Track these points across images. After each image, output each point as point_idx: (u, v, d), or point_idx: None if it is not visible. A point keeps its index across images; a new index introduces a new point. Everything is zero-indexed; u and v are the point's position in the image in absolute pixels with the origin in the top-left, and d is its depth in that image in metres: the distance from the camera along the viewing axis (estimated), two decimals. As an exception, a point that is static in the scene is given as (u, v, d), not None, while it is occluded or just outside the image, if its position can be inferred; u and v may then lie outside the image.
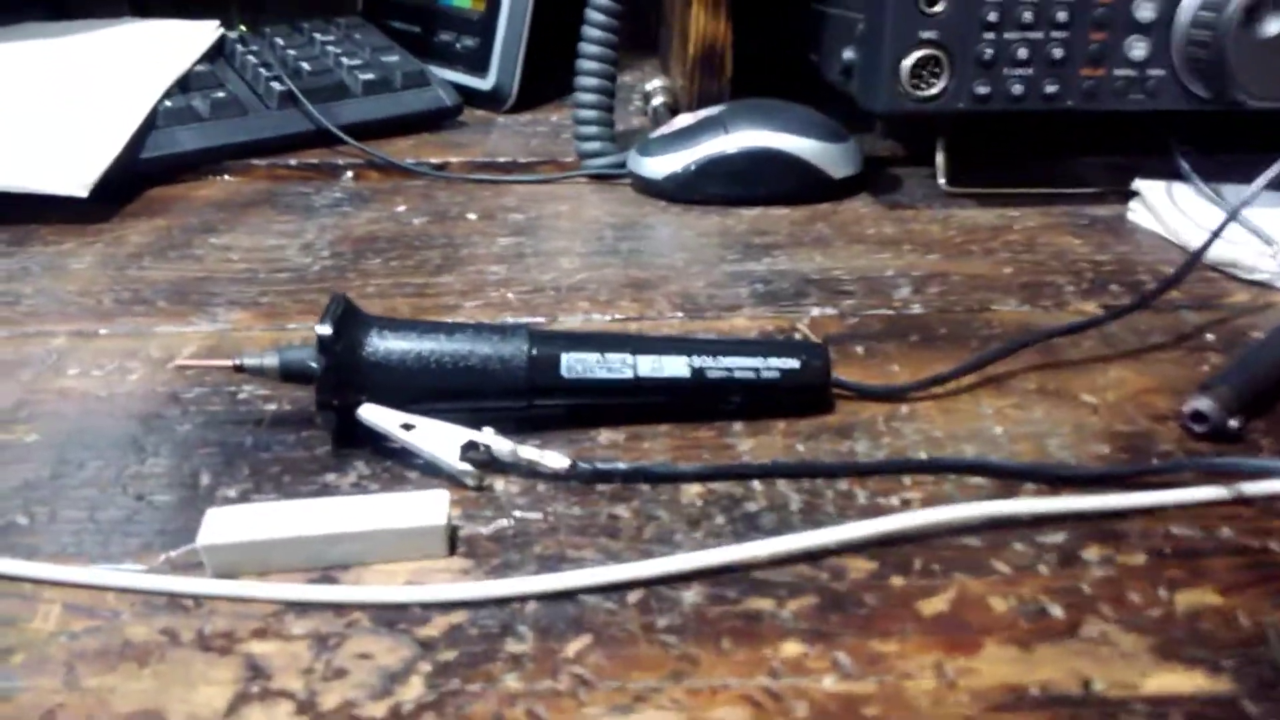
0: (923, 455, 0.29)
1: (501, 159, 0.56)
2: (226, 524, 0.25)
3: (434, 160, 0.56)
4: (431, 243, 0.46)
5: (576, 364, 0.30)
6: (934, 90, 0.46)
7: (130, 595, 0.25)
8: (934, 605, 0.24)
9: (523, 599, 0.24)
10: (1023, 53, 0.45)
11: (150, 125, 0.53)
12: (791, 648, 0.23)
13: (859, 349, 0.35)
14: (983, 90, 0.46)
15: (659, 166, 0.50)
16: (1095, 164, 0.55)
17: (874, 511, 0.27)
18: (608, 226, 0.47)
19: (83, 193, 0.47)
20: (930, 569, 0.25)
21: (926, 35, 0.45)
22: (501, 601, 0.24)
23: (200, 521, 0.26)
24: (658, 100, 0.62)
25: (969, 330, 0.36)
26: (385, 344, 0.30)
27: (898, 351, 0.35)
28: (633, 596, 0.24)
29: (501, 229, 0.47)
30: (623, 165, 0.54)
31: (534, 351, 0.30)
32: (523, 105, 0.66)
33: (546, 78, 0.67)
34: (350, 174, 0.56)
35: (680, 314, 0.38)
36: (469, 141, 0.60)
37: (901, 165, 0.55)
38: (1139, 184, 0.48)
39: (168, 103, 0.54)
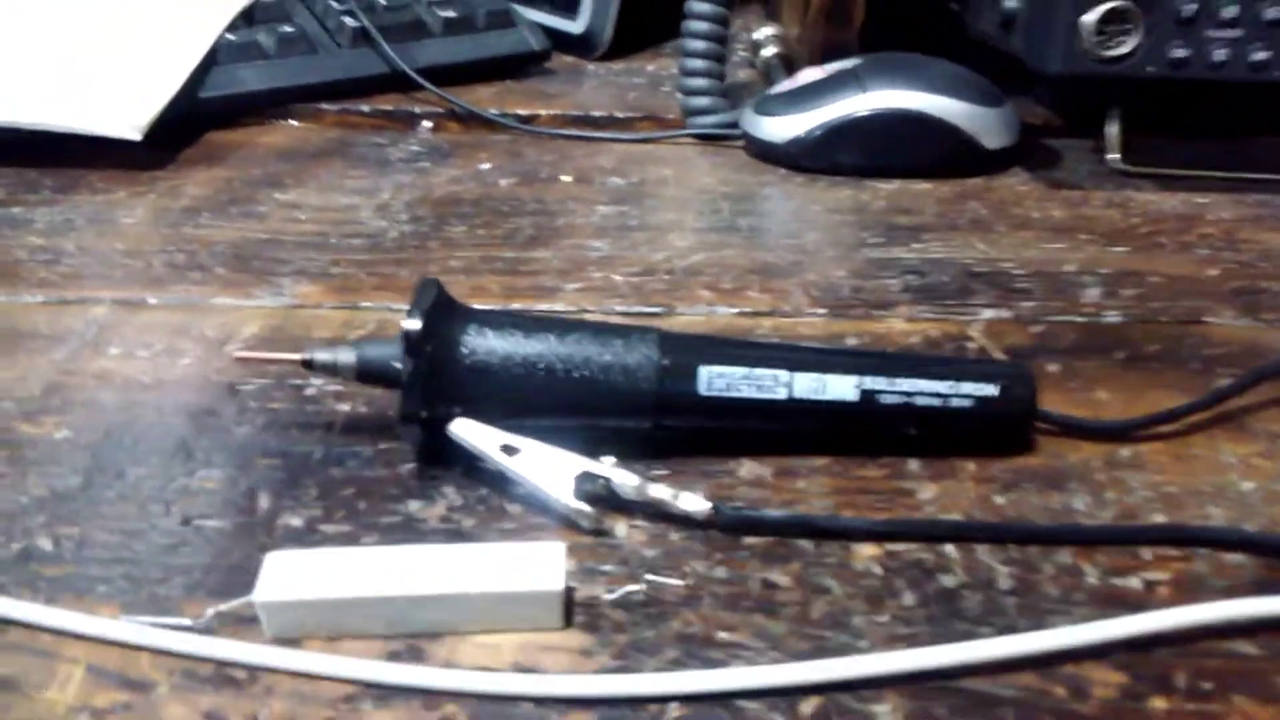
0: (1160, 518, 0.23)
1: (596, 113, 0.50)
2: (290, 574, 0.20)
3: (521, 112, 0.50)
4: (522, 209, 0.40)
5: (718, 379, 0.24)
6: (1123, 50, 0.38)
7: (170, 659, 0.19)
8: (1213, 744, 0.18)
9: (664, 700, 0.19)
10: (1230, 11, 0.38)
11: (211, 61, 0.48)
12: (1032, 801, 0.17)
13: (1053, 367, 0.29)
14: (1179, 54, 0.38)
15: (780, 128, 0.44)
16: (1273, 145, 0.47)
17: (1109, 597, 0.21)
18: (722, 197, 0.41)
19: (136, 136, 0.42)
20: (1198, 687, 0.19)
21: (1120, -16, 0.37)
22: (637, 701, 0.19)
23: (257, 562, 0.21)
24: (769, 51, 0.55)
25: (1184, 348, 0.30)
26: (485, 344, 0.24)
27: (1102, 372, 0.29)
28: (807, 707, 0.19)
29: (600, 195, 0.41)
30: (733, 125, 0.47)
31: (666, 361, 0.24)
32: (616, 53, 0.60)
33: (641, 23, 0.60)
34: (428, 124, 0.50)
35: (822, 310, 0.32)
36: (558, 92, 0.54)
37: (1055, 136, 0.48)
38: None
39: (230, 36, 0.49)
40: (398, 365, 0.24)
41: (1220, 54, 0.38)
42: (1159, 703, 0.19)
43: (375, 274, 0.34)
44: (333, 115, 0.50)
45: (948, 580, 0.21)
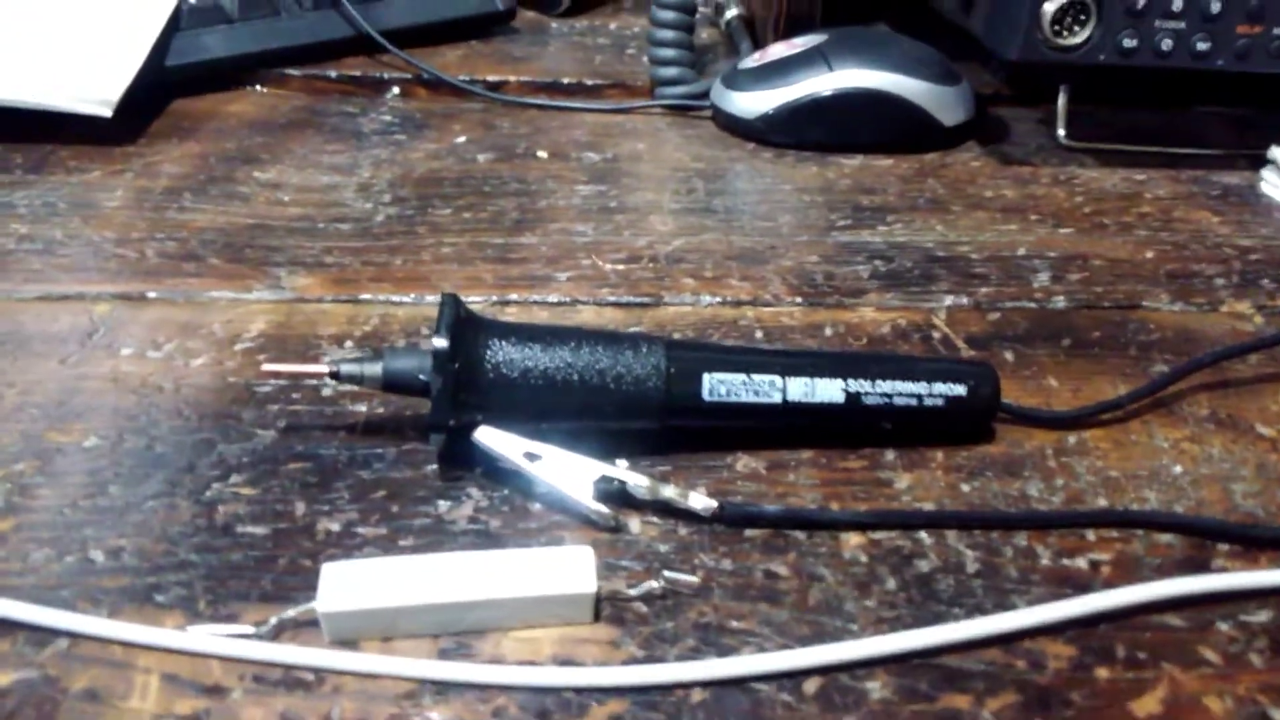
0: (1102, 502, 0.26)
1: (565, 80, 0.51)
2: (346, 584, 0.22)
3: (490, 78, 0.50)
4: (504, 188, 0.41)
5: (719, 385, 0.26)
6: (1076, 40, 0.40)
7: (239, 665, 0.22)
8: (1147, 705, 0.21)
9: (687, 686, 0.21)
10: (1178, 3, 0.40)
11: (173, 26, 0.47)
12: (1002, 763, 0.20)
13: (1008, 355, 0.32)
14: (1129, 44, 0.41)
15: (749, 104, 0.45)
16: (1213, 115, 0.50)
17: (1060, 576, 0.24)
18: (696, 175, 0.43)
19: (106, 113, 0.42)
20: (1135, 657, 0.22)
21: (1076, -24, 0.39)
22: (664, 688, 0.21)
23: (303, 567, 0.23)
24: (732, 12, 0.56)
25: (1124, 334, 0.33)
26: (506, 358, 0.26)
27: (1051, 360, 0.32)
28: (810, 686, 0.22)
29: (578, 173, 0.43)
30: (702, 96, 0.48)
31: (672, 370, 0.26)
32: (577, 9, 0.60)
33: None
34: (396, 90, 0.50)
35: (799, 299, 0.34)
36: (525, 54, 0.54)
37: (1006, 104, 0.50)
38: (1275, 152, 0.44)
39: (191, 0, 0.48)
40: (421, 377, 0.26)
41: (1166, 44, 0.41)
42: (1102, 671, 0.22)
43: (370, 264, 0.36)
44: (299, 81, 0.50)
45: (923, 565, 0.24)
